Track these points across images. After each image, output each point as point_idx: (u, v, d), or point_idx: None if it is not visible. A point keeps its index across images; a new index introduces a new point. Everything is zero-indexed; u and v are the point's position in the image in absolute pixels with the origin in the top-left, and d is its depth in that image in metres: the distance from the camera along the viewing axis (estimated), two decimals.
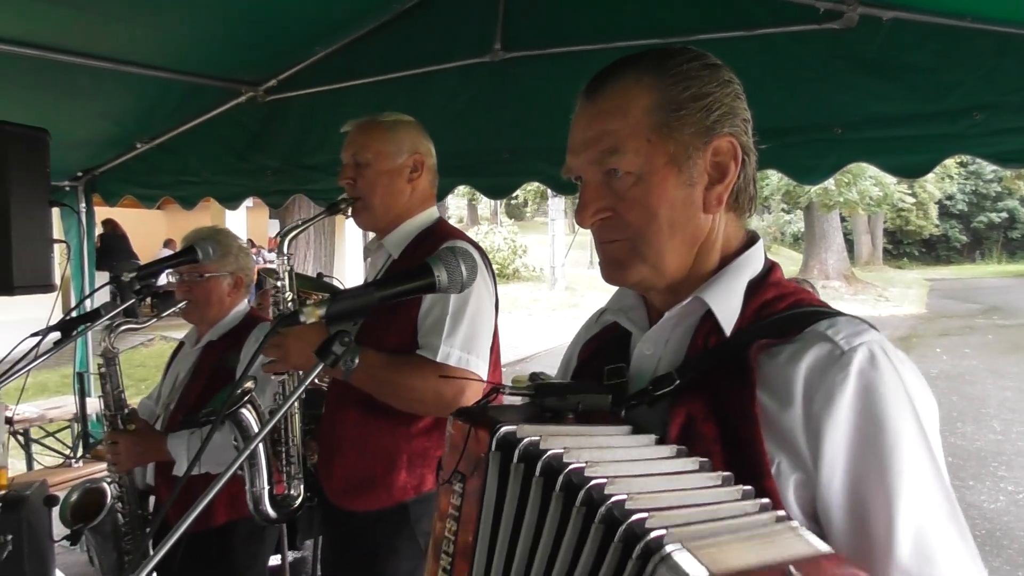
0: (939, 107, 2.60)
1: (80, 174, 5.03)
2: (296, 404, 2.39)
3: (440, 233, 2.31)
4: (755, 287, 1.13)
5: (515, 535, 0.93)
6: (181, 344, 3.07)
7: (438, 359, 2.10)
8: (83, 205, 5.08)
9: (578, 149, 1.14)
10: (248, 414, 2.27)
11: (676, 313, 1.14)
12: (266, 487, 2.29)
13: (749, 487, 0.92)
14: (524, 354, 13.97)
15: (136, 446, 2.67)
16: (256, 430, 2.28)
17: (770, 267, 1.17)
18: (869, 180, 21.28)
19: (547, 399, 1.05)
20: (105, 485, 2.72)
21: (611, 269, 1.16)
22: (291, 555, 4.13)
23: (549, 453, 0.90)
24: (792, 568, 0.78)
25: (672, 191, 1.09)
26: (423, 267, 1.26)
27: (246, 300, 2.95)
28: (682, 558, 0.78)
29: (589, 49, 3.13)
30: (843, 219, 27.06)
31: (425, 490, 2.22)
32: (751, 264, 1.15)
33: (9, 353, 2.31)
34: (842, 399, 0.97)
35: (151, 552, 0.93)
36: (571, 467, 0.88)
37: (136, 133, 4.57)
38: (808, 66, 2.82)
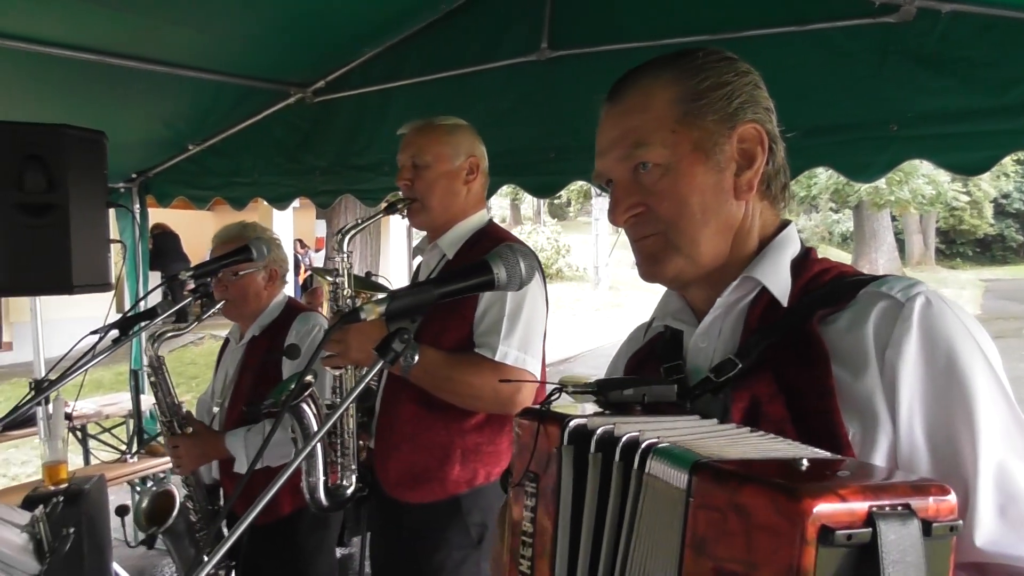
0: (999, 102, 2.52)
1: (134, 176, 5.14)
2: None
3: (493, 235, 2.38)
4: (798, 265, 1.14)
5: (599, 525, 0.92)
6: (227, 341, 3.13)
7: (496, 359, 2.16)
8: (137, 206, 5.18)
9: (605, 151, 1.16)
10: (307, 408, 2.32)
11: (725, 299, 1.15)
12: (321, 477, 2.34)
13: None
14: (568, 354, 13.95)
15: (196, 448, 2.79)
16: (315, 423, 2.34)
17: (808, 249, 1.18)
18: (922, 178, 20.84)
19: (611, 393, 1.04)
20: (173, 488, 2.80)
21: (647, 265, 1.17)
22: (339, 551, 4.18)
23: (626, 436, 0.89)
24: (805, 460, 0.78)
25: (701, 178, 1.11)
26: (482, 265, 1.26)
27: (284, 291, 2.99)
28: (669, 447, 0.84)
29: (637, 47, 3.10)
30: (894, 218, 26.54)
31: (477, 484, 2.29)
32: (790, 244, 1.16)
33: (69, 351, 2.38)
34: (910, 345, 0.98)
35: (218, 544, 0.95)
36: (648, 442, 0.87)
37: (188, 135, 4.66)
38: (862, 61, 2.76)
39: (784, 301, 1.10)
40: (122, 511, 2.92)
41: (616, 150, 1.14)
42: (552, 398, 1.03)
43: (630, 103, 1.14)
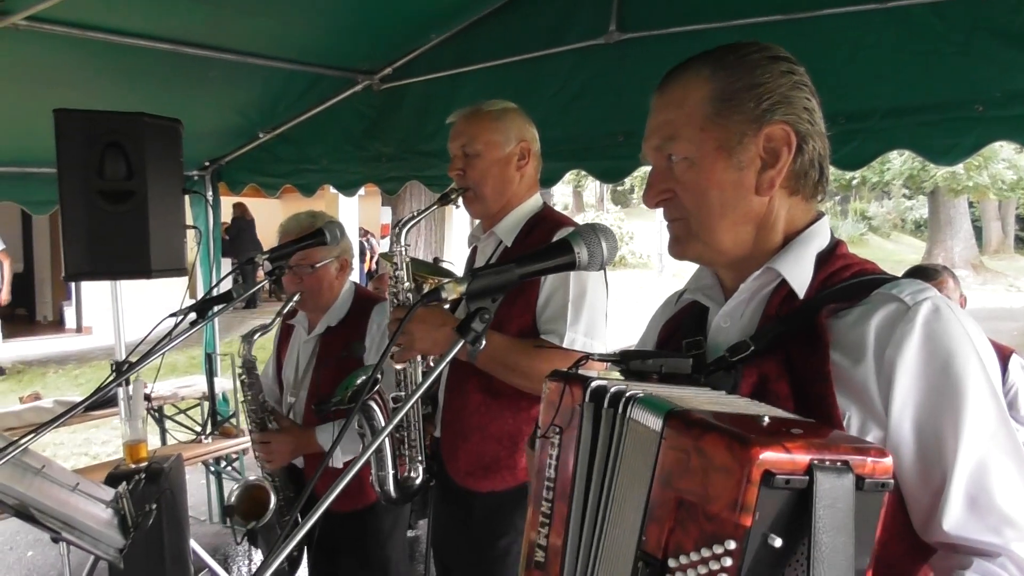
0: None
1: (207, 163, 5.26)
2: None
3: (550, 219, 2.36)
4: (823, 259, 1.22)
5: (609, 473, 1.05)
6: (289, 327, 3.14)
7: (564, 344, 2.16)
8: (210, 193, 5.30)
9: (646, 138, 1.27)
10: (375, 404, 2.35)
11: (749, 286, 1.24)
12: (391, 471, 2.36)
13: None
14: (630, 341, 13.83)
15: (287, 444, 2.85)
16: (383, 419, 2.36)
17: (836, 242, 1.26)
18: (1002, 163, 20.04)
19: (632, 363, 1.18)
20: (263, 482, 2.86)
21: (673, 245, 1.29)
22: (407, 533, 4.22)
23: (630, 393, 1.03)
24: (767, 416, 0.92)
25: (721, 174, 1.19)
26: (563, 244, 1.26)
27: (349, 279, 3.02)
28: (654, 398, 0.99)
29: (707, 28, 3.03)
30: (971, 205, 25.62)
31: None
32: (817, 237, 1.24)
33: (148, 334, 2.44)
34: (910, 346, 1.06)
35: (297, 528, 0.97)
36: (632, 392, 1.03)
37: (259, 123, 4.74)
38: (947, 39, 2.64)
39: (802, 293, 1.18)
40: (228, 512, 3.01)
41: (653, 139, 1.25)
42: (580, 363, 1.18)
43: (670, 97, 1.24)
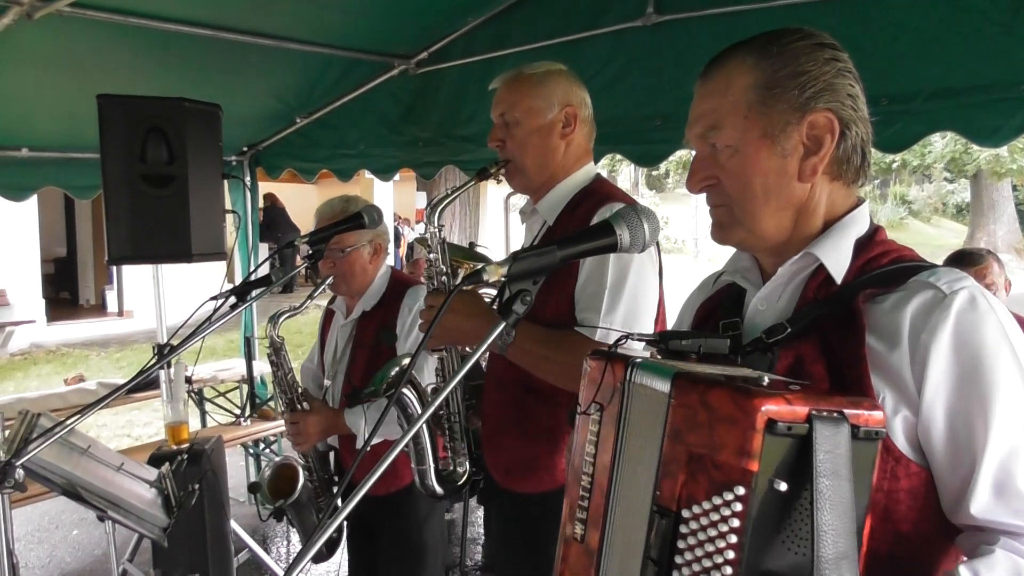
0: None
1: (245, 149, 5.31)
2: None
3: (600, 193, 2.14)
4: (862, 245, 1.24)
5: (642, 446, 1.08)
6: (330, 312, 3.16)
7: (597, 337, 1.96)
8: (248, 178, 5.35)
9: (690, 124, 1.28)
10: (409, 393, 2.29)
11: (787, 270, 1.26)
12: (431, 465, 2.31)
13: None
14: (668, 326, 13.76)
15: (317, 424, 2.84)
16: (417, 408, 2.29)
17: (875, 228, 1.27)
18: None
19: (671, 343, 1.21)
20: (294, 461, 2.89)
21: (716, 230, 1.31)
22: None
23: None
24: (766, 378, 0.99)
25: (765, 162, 1.21)
26: (604, 226, 1.25)
27: (386, 263, 3.02)
28: (662, 364, 1.07)
29: (746, 9, 2.99)
30: (1015, 188, 25.03)
31: None
32: (857, 224, 1.25)
33: (189, 317, 2.47)
34: (944, 333, 1.08)
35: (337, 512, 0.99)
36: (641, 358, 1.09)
37: (296, 108, 4.77)
38: (992, 19, 2.57)
39: (839, 279, 1.20)
40: (254, 488, 3.05)
41: (697, 127, 1.26)
42: (620, 343, 1.21)
43: (714, 84, 1.24)
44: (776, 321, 1.20)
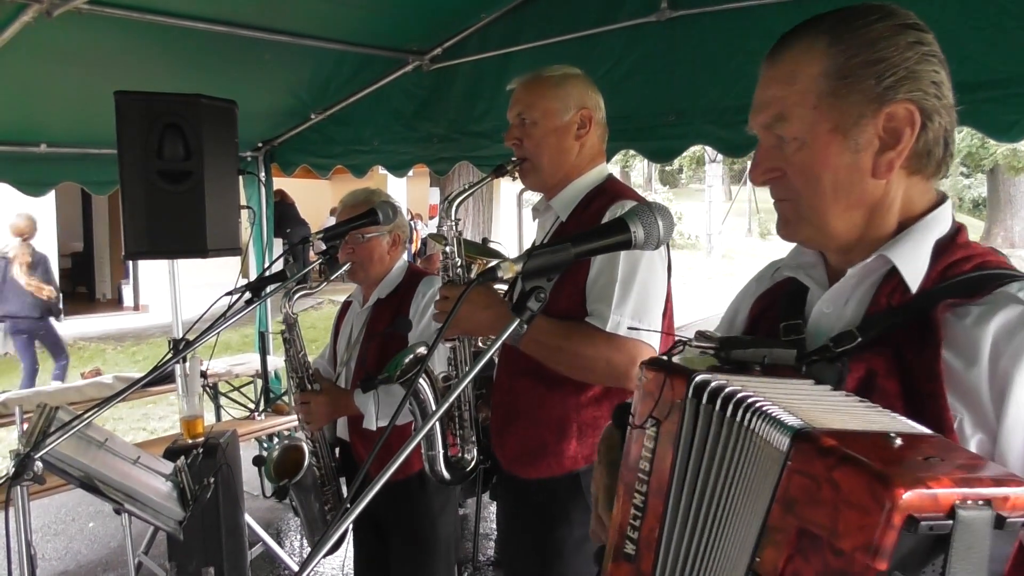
0: None
1: (260, 145, 5.34)
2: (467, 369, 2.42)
3: (611, 192, 2.22)
4: (942, 248, 1.12)
5: (704, 471, 1.01)
6: (346, 304, 3.20)
7: (608, 328, 2.03)
8: (263, 174, 5.38)
9: (755, 111, 1.18)
10: (423, 382, 2.32)
11: (858, 271, 1.15)
12: (441, 451, 2.34)
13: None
14: (680, 323, 13.69)
15: (326, 404, 2.86)
16: (431, 397, 2.32)
17: (957, 229, 1.16)
18: None
19: (733, 352, 1.11)
20: (302, 443, 2.91)
21: (782, 226, 1.21)
22: None
23: (739, 394, 0.97)
24: (892, 433, 0.85)
25: (835, 158, 1.11)
26: (618, 223, 1.24)
27: (405, 255, 3.04)
28: (776, 411, 0.91)
29: (761, 4, 2.96)
30: None
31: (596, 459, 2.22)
32: (938, 224, 1.14)
33: (205, 312, 2.49)
34: None
35: (351, 501, 0.98)
36: (757, 401, 0.95)
37: (311, 105, 4.80)
38: (1010, 12, 2.56)
39: (915, 286, 1.09)
40: (258, 461, 3.07)
41: (761, 115, 1.16)
42: (675, 351, 1.13)
43: (780, 70, 1.14)
44: (843, 327, 1.12)
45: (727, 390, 0.99)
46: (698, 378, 1.03)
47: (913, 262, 1.11)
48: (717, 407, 0.99)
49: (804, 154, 1.12)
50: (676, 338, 1.16)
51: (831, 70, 1.09)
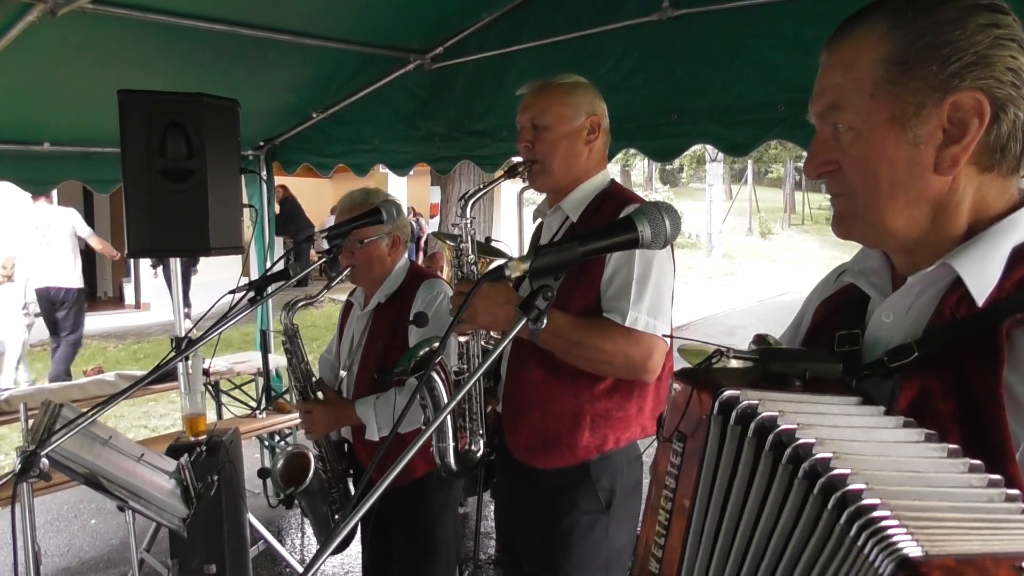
0: None
1: (262, 143, 5.34)
2: (477, 363, 2.45)
3: (617, 195, 2.33)
4: (1018, 256, 1.00)
5: (727, 496, 0.96)
6: (349, 304, 3.20)
7: (626, 324, 2.13)
8: (264, 173, 5.39)
9: (812, 99, 1.11)
10: (437, 376, 2.35)
11: (920, 280, 1.06)
12: (451, 443, 2.37)
13: (977, 461, 0.85)
14: (680, 322, 13.68)
15: (328, 415, 2.89)
16: (444, 391, 2.36)
17: None
18: None
19: (773, 364, 1.04)
20: (307, 450, 2.93)
21: (836, 223, 1.13)
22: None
23: (762, 415, 0.91)
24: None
25: (892, 150, 1.02)
26: (626, 222, 1.25)
27: (406, 255, 3.05)
28: (894, 530, 0.74)
29: (763, 2, 2.92)
30: None
31: (607, 449, 2.27)
32: (1017, 229, 1.02)
33: (208, 310, 2.50)
34: None
35: (353, 506, 1.00)
36: (781, 428, 0.88)
37: (312, 103, 4.80)
38: None
39: (982, 298, 0.99)
40: (263, 474, 3.08)
41: (817, 103, 1.09)
42: (712, 361, 1.05)
43: (839, 56, 1.07)
44: (903, 339, 1.04)
45: (743, 405, 0.93)
46: (725, 394, 0.96)
47: (981, 271, 1.00)
48: (751, 433, 0.92)
49: (860, 146, 1.05)
50: (718, 348, 1.09)
51: (891, 55, 1.01)
